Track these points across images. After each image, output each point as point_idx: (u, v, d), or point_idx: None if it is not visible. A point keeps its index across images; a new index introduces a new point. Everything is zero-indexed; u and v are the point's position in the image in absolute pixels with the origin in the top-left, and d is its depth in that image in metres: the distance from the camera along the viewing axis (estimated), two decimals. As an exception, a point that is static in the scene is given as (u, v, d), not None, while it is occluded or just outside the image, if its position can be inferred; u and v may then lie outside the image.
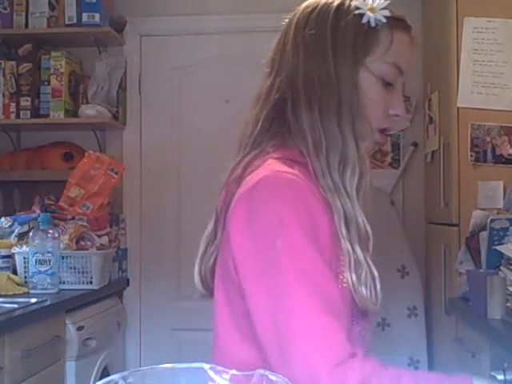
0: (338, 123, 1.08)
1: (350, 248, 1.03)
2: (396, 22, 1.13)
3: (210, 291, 1.15)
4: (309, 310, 0.94)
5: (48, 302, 2.52)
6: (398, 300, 3.11)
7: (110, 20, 3.44)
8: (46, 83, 3.35)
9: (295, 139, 1.11)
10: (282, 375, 0.75)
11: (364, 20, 1.11)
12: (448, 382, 0.94)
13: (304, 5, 1.17)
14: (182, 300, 3.41)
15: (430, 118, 3.10)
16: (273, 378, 0.72)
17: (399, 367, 0.96)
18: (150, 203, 3.60)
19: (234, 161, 1.13)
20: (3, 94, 3.33)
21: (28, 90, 3.34)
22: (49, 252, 2.70)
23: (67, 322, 2.60)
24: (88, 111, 3.31)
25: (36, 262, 2.70)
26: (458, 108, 2.69)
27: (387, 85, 1.13)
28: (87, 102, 3.37)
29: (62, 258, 2.83)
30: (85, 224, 3.02)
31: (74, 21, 3.36)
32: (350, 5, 1.12)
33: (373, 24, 1.11)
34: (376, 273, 1.05)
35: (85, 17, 3.35)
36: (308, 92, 1.10)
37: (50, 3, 3.36)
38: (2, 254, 2.81)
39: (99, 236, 3.06)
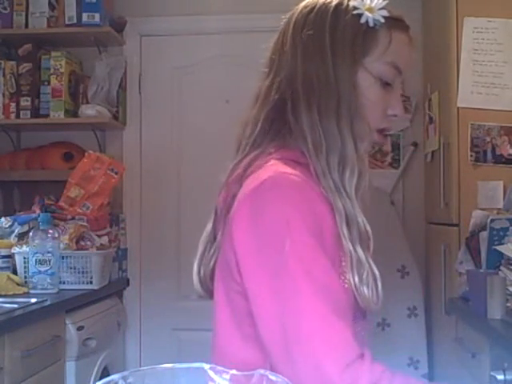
0: (337, 123, 1.08)
1: (351, 248, 1.03)
2: (394, 22, 1.13)
3: (208, 292, 1.15)
4: (318, 311, 0.95)
5: (48, 302, 2.52)
6: (398, 300, 3.11)
7: (110, 20, 3.44)
8: (45, 83, 3.35)
9: (296, 140, 1.10)
10: (287, 376, 0.75)
11: (362, 20, 1.11)
12: None
13: (302, 4, 1.17)
14: (182, 300, 3.41)
15: (430, 118, 3.09)
16: (273, 378, 0.72)
17: (406, 374, 0.96)
18: (149, 203, 3.60)
19: (234, 161, 1.13)
20: (3, 94, 3.33)
21: (28, 90, 3.34)
22: (49, 252, 2.70)
23: (67, 321, 2.60)
24: (88, 111, 3.31)
25: (36, 261, 2.70)
26: (457, 108, 2.69)
27: (386, 85, 1.13)
28: (87, 102, 3.36)
29: (62, 257, 2.83)
30: (85, 224, 3.02)
31: (74, 21, 3.36)
32: (348, 5, 1.12)
33: (371, 24, 1.11)
34: (377, 272, 1.05)
35: (85, 17, 3.35)
36: (307, 92, 1.10)
37: (49, 3, 3.36)
38: (2, 253, 2.81)
39: (99, 236, 3.05)
